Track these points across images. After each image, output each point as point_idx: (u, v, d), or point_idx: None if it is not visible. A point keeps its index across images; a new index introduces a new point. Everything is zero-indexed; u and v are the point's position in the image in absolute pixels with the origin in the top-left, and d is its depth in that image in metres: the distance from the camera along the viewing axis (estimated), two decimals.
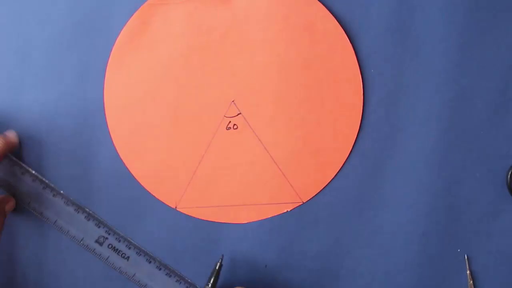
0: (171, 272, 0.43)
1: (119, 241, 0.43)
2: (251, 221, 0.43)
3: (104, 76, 0.43)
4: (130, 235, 0.43)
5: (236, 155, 0.43)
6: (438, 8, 0.42)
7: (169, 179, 0.43)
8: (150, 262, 0.43)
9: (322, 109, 0.43)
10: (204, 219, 0.43)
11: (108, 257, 0.42)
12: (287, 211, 0.43)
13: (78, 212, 0.43)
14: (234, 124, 0.43)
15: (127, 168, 0.43)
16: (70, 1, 0.42)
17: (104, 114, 0.43)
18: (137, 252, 0.43)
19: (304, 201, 0.43)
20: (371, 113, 0.43)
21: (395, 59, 0.43)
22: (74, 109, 0.43)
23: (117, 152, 0.43)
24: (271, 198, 0.43)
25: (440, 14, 0.42)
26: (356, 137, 0.43)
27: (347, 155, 0.43)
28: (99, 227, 0.43)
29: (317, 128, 0.43)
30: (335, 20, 0.42)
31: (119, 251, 0.43)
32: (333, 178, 0.43)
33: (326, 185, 0.43)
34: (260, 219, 0.43)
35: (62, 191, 0.43)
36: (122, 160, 0.43)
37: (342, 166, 0.43)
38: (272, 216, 0.43)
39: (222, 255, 0.41)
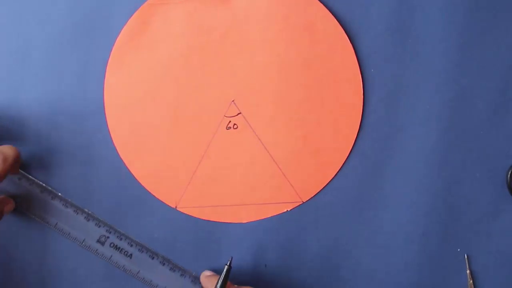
0: (174, 267, 0.43)
1: (121, 239, 0.43)
2: (251, 220, 0.43)
3: (104, 76, 0.43)
4: (130, 235, 0.43)
5: (236, 155, 0.43)
6: (438, 8, 0.42)
7: (169, 179, 0.43)
8: (153, 258, 0.43)
9: (322, 109, 0.43)
10: (204, 218, 0.43)
11: (111, 256, 0.42)
12: (287, 210, 0.43)
13: (78, 213, 0.43)
14: (234, 124, 0.43)
15: (127, 168, 0.43)
16: (70, 1, 0.42)
17: (104, 114, 0.43)
18: (139, 249, 0.43)
19: (304, 201, 0.43)
20: (371, 113, 0.43)
21: (395, 59, 0.43)
22: (74, 109, 0.43)
23: (117, 152, 0.43)
24: (271, 198, 0.43)
25: (440, 14, 0.42)
26: (356, 137, 0.43)
27: (347, 155, 0.43)
28: (99, 226, 0.43)
29: (317, 128, 0.43)
30: (335, 20, 0.42)
31: (122, 249, 0.43)
32: (333, 178, 0.43)
33: (326, 185, 0.43)
34: (260, 218, 0.43)
35: (60, 193, 0.43)
36: (122, 160, 0.43)
37: (342, 166, 0.43)
38: (272, 216, 0.43)
39: (231, 257, 0.40)
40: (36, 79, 0.43)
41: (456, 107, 0.43)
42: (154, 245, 0.43)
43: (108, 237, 0.43)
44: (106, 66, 0.43)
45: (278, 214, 0.43)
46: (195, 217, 0.43)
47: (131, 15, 0.42)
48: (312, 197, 0.43)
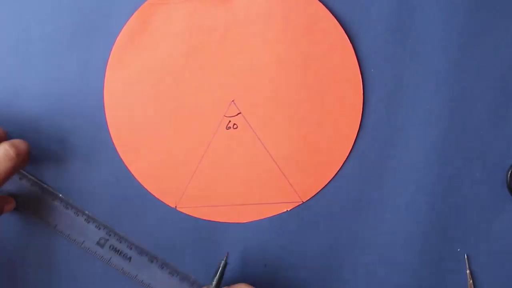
0: (173, 271, 0.43)
1: (120, 242, 0.43)
2: (250, 220, 0.43)
3: (104, 75, 0.43)
4: (130, 235, 0.43)
5: (236, 155, 0.43)
6: (438, 8, 0.42)
7: (169, 179, 0.43)
8: (152, 261, 0.43)
9: (322, 109, 0.43)
10: (204, 218, 0.43)
11: (110, 258, 0.42)
12: (287, 210, 0.43)
13: (78, 215, 0.43)
14: (234, 124, 0.43)
15: (127, 168, 0.43)
16: (70, 1, 0.43)
17: (104, 114, 0.43)
18: (138, 252, 0.43)
19: (304, 201, 0.43)
20: (371, 113, 0.43)
21: (395, 59, 0.43)
22: (74, 109, 0.43)
23: (117, 152, 0.43)
24: (271, 198, 0.43)
25: (440, 14, 0.42)
26: (356, 137, 0.43)
27: (347, 155, 0.43)
28: (99, 229, 0.43)
29: (317, 128, 0.43)
30: (335, 20, 0.42)
31: (121, 252, 0.43)
32: (333, 178, 0.43)
33: (326, 185, 0.43)
34: (260, 218, 0.43)
35: (60, 195, 0.43)
36: (122, 160, 0.43)
37: (342, 166, 0.43)
38: (272, 216, 0.43)
39: (227, 253, 0.41)
40: (36, 79, 0.43)
41: (456, 107, 0.43)
42: (154, 245, 0.43)
43: (107, 240, 0.43)
44: (106, 66, 0.43)
45: (278, 214, 0.43)
46: (195, 217, 0.43)
47: (131, 15, 0.42)
48: (312, 197, 0.43)
